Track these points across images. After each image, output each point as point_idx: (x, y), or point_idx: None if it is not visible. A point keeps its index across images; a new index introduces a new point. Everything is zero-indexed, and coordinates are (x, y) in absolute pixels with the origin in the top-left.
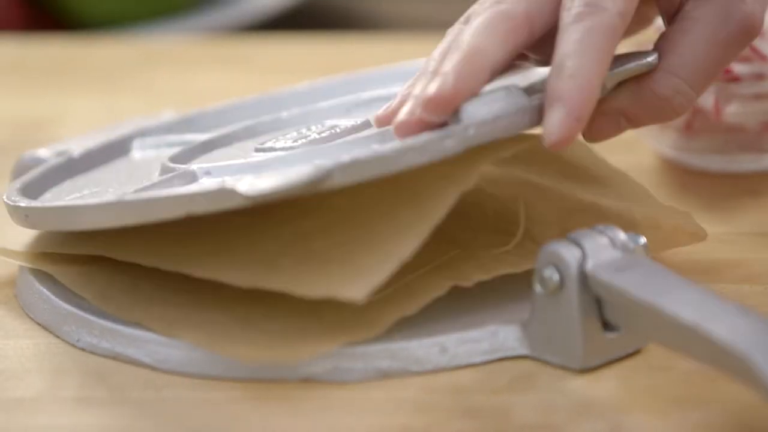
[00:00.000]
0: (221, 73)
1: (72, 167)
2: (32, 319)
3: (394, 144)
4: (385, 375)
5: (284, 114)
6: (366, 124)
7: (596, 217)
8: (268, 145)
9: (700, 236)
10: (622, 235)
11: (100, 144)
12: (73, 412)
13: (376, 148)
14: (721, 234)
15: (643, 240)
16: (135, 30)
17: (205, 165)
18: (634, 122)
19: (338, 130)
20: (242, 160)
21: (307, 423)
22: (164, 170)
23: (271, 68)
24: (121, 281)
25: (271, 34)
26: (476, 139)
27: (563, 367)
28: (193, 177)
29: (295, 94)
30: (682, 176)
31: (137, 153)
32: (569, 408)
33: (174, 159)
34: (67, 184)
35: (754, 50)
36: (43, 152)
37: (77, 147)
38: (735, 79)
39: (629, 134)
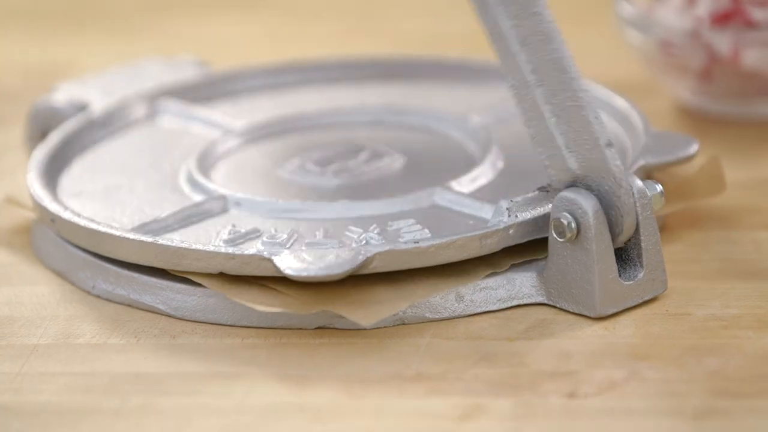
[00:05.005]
0: (237, 18)
1: (94, 131)
2: (47, 266)
3: (435, 239)
4: (402, 322)
5: (309, 109)
6: (396, 160)
7: None
8: (296, 165)
9: (719, 188)
10: (638, 182)
11: (120, 101)
12: (88, 359)
13: (418, 237)
14: (739, 180)
15: (659, 187)
16: None
17: (235, 191)
18: None
19: (369, 163)
20: (272, 198)
21: (323, 370)
22: (192, 181)
23: (288, 13)
24: None
25: None
26: (515, 239)
27: (579, 315)
28: (224, 206)
29: (318, 69)
30: (701, 122)
31: (161, 121)
32: (585, 355)
33: (200, 162)
34: (90, 155)
35: None
36: (57, 98)
37: (96, 97)
38: (753, 24)
39: (647, 80)
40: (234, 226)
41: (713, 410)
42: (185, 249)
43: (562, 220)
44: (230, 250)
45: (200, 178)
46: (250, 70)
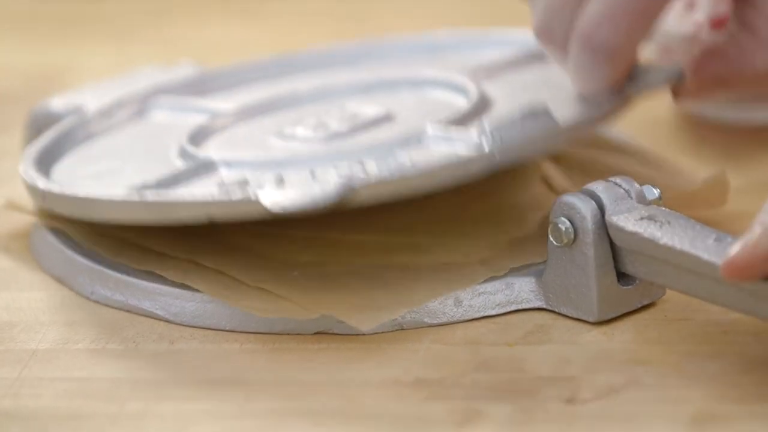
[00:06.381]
0: (236, 24)
1: (87, 127)
2: (46, 271)
3: (420, 164)
4: (400, 327)
5: (302, 87)
6: (386, 118)
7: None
8: (288, 131)
9: (718, 202)
10: (637, 187)
11: (116, 100)
12: (86, 364)
13: (403, 163)
14: (737, 185)
15: (658, 192)
16: None
17: (225, 155)
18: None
19: (359, 121)
20: (262, 154)
21: (321, 375)
22: (183, 154)
23: (287, 19)
24: (134, 237)
25: None
26: (502, 164)
27: (578, 320)
28: (212, 167)
29: (312, 57)
30: (699, 128)
31: (155, 115)
32: (585, 360)
33: (192, 139)
34: (83, 148)
35: None
36: (55, 103)
37: (91, 100)
38: None
39: None
40: (223, 179)
41: (712, 416)
42: (173, 202)
43: (559, 225)
44: (217, 195)
45: (191, 149)
46: (243, 65)
